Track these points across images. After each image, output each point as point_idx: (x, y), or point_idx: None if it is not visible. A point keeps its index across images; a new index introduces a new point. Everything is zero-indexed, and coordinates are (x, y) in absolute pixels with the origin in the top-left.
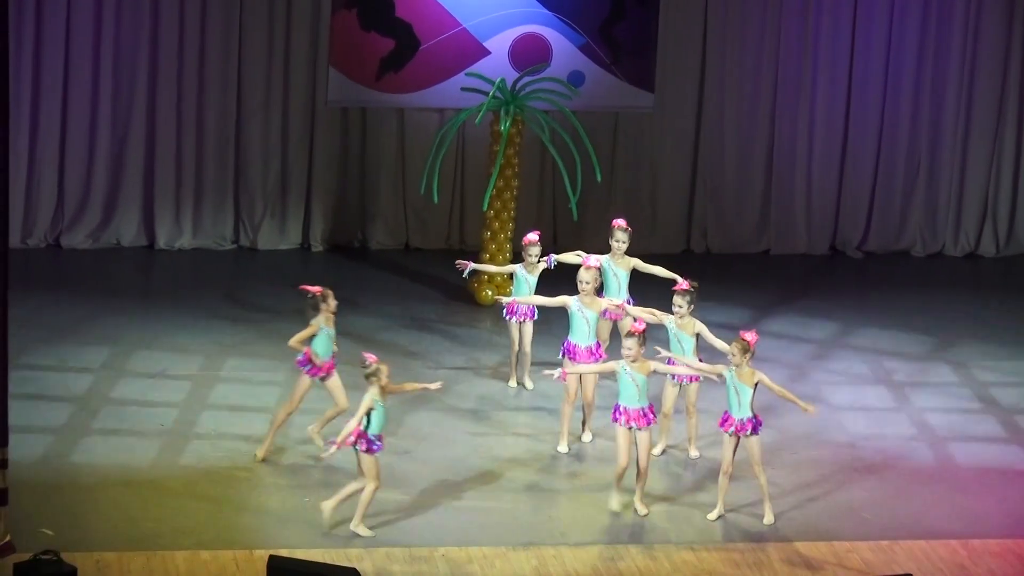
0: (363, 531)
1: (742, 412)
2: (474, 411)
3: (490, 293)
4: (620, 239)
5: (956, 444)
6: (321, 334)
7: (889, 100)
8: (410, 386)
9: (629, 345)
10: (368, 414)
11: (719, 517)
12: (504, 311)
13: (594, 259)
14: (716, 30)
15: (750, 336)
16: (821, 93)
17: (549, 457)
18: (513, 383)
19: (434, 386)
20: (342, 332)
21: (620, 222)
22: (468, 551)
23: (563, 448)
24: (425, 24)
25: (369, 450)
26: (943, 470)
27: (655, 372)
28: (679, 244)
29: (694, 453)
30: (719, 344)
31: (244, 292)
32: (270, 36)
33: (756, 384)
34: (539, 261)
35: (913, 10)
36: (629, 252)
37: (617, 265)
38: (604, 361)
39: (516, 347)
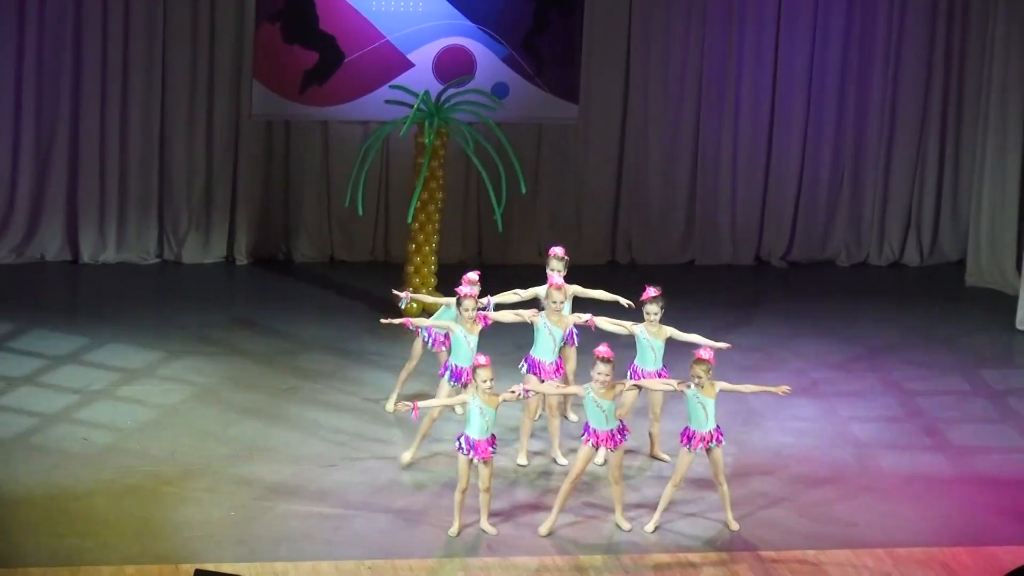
0: (454, 529)
1: (709, 425)
2: (402, 422)
3: (415, 306)
4: (556, 268)
5: (881, 453)
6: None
7: (813, 110)
8: (503, 395)
9: (602, 371)
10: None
11: (656, 528)
12: (420, 330)
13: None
14: (640, 41)
15: (707, 354)
16: (745, 103)
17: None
18: (390, 407)
19: (515, 392)
20: (266, 345)
21: (557, 250)
22: (394, 563)
23: (522, 461)
24: (349, 37)
25: (460, 448)
26: (869, 479)
27: (620, 394)
28: (604, 255)
29: (666, 457)
30: (695, 338)
31: (169, 306)
32: (194, 50)
33: (718, 394)
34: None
35: (836, 21)
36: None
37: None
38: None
39: (412, 365)
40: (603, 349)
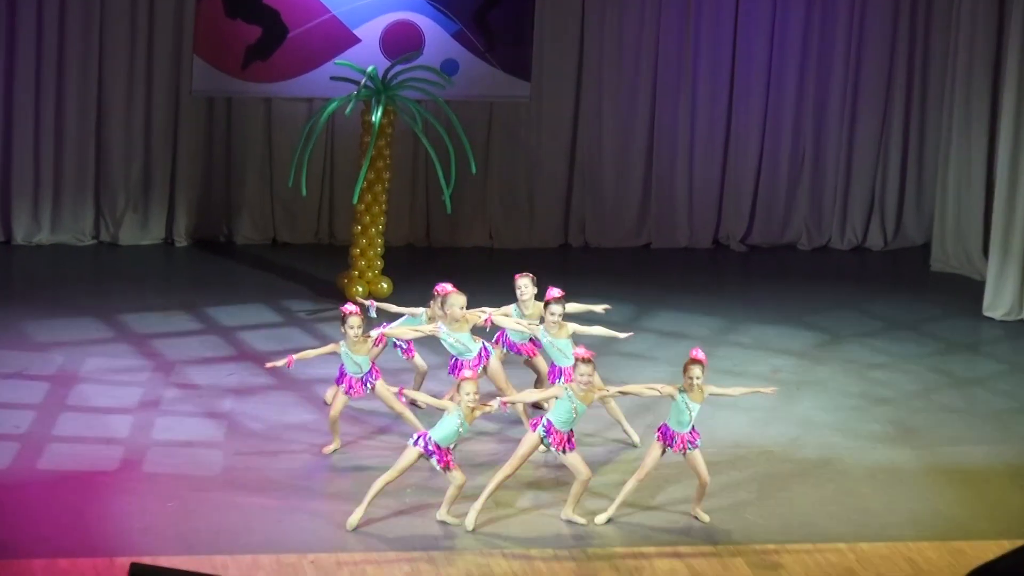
0: (353, 519)
1: (687, 427)
2: (346, 414)
3: (360, 289)
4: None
5: (844, 444)
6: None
7: (773, 88)
8: (482, 409)
9: (584, 372)
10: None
11: (608, 520)
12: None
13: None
14: (594, 17)
15: (701, 355)
16: (703, 81)
17: (425, 467)
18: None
19: (492, 405)
20: (209, 330)
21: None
22: (338, 556)
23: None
24: (293, 11)
25: (416, 442)
26: (831, 471)
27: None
28: (557, 238)
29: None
30: (596, 331)
31: (105, 289)
32: (132, 23)
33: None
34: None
35: None
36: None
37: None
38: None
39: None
40: (581, 350)
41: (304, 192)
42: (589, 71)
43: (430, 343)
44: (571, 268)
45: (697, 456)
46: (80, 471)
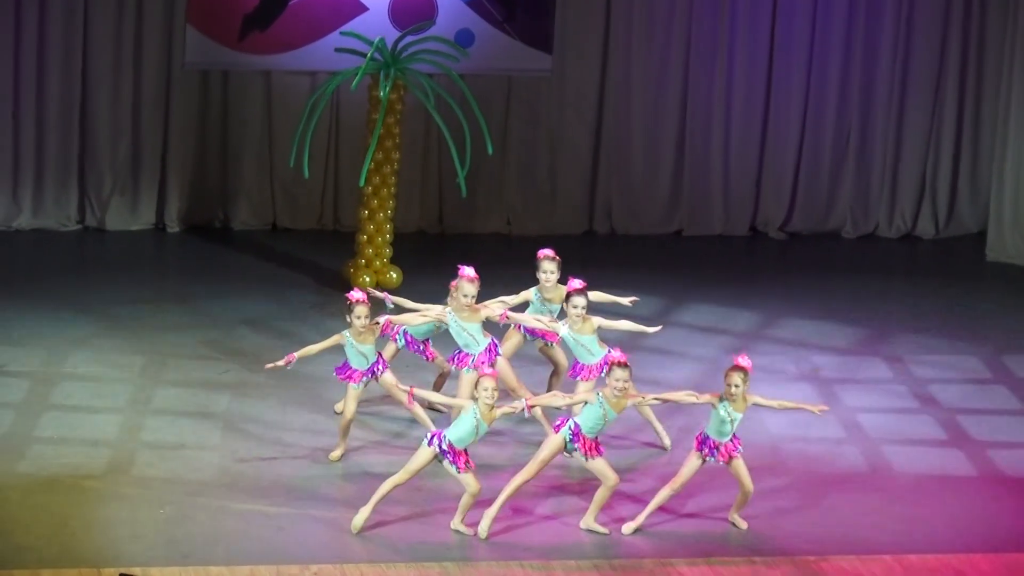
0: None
1: (727, 437)
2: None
3: (367, 279)
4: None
5: (890, 448)
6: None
7: (816, 63)
8: (502, 409)
9: (621, 377)
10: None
11: (635, 531)
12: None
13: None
14: None
15: (745, 362)
16: (740, 55)
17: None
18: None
19: (516, 407)
20: (203, 323)
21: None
22: (343, 568)
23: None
24: None
25: (431, 442)
26: (876, 477)
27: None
28: (581, 224)
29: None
30: (623, 325)
31: (91, 278)
32: None
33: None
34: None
35: None
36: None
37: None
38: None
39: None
40: (617, 353)
41: (306, 174)
42: (616, 43)
43: (448, 343)
44: (596, 257)
45: (740, 465)
46: (65, 475)
